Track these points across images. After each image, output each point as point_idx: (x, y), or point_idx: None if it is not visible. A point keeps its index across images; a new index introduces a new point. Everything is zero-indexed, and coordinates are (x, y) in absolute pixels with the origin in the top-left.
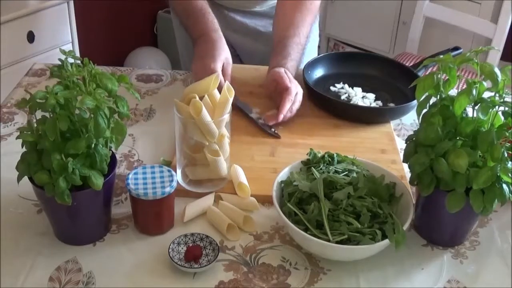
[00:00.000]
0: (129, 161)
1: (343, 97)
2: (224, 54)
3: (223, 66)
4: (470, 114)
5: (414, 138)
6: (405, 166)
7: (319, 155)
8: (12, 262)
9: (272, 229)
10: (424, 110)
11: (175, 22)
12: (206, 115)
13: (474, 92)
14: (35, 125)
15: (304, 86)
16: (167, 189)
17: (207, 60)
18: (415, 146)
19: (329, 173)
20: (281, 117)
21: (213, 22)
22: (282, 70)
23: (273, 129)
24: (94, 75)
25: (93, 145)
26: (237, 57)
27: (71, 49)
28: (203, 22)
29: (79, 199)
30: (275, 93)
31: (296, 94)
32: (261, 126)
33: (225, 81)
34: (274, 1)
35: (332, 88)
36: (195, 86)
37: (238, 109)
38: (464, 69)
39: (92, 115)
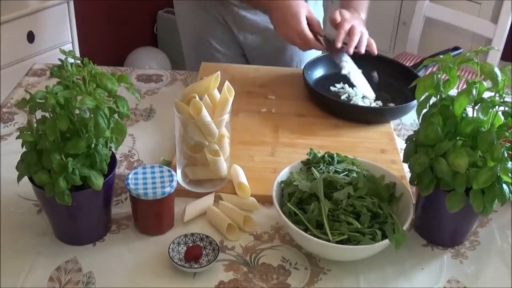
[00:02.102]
0: (129, 161)
1: (343, 97)
2: (302, 9)
3: (308, 20)
4: (470, 114)
5: (414, 138)
6: (405, 166)
7: (319, 155)
8: (12, 262)
9: (272, 229)
10: (424, 110)
11: (180, 23)
12: (206, 115)
13: (474, 92)
14: (35, 125)
15: (304, 86)
16: (167, 189)
17: (291, 23)
18: (415, 146)
19: (329, 173)
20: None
21: None
22: (337, 11)
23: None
24: (94, 75)
25: (93, 145)
26: (243, 57)
27: (71, 49)
28: None
29: (79, 199)
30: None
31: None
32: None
33: (316, 34)
34: None
35: (332, 88)
36: (195, 86)
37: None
38: (464, 69)
39: (92, 115)
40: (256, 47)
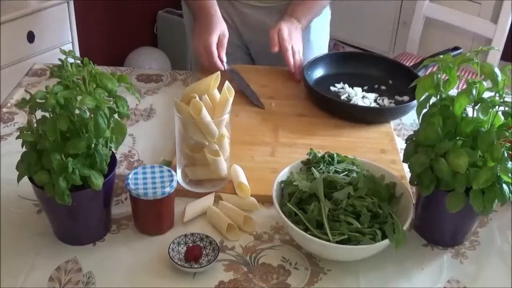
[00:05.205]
0: (129, 161)
1: (343, 97)
2: (219, 28)
3: (218, 38)
4: (470, 114)
5: (414, 138)
6: (405, 166)
7: (319, 155)
8: (12, 262)
9: (272, 229)
10: (424, 110)
11: (188, 22)
12: (206, 115)
13: (474, 92)
14: (35, 125)
15: (304, 86)
16: (167, 189)
17: (204, 35)
18: (415, 146)
19: (329, 173)
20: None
21: None
22: (276, 29)
23: (260, 100)
24: (94, 75)
25: (93, 145)
26: (249, 56)
27: (71, 49)
28: None
29: (79, 199)
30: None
31: (292, 47)
32: (250, 96)
33: (220, 53)
34: None
35: (332, 88)
36: (195, 86)
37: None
38: (464, 69)
39: (92, 115)
40: (260, 46)
